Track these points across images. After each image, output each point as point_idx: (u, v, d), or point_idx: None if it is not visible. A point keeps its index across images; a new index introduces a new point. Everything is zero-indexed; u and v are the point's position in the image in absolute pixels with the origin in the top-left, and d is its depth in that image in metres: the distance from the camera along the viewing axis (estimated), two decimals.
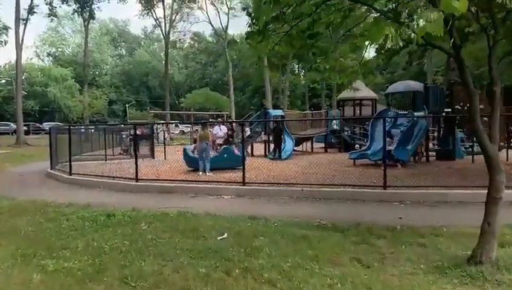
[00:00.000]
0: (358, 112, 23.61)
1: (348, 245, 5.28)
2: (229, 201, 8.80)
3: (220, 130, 14.18)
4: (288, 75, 53.22)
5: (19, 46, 32.96)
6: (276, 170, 11.64)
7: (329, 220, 6.68)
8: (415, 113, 14.70)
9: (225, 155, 12.82)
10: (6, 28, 47.07)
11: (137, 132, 22.86)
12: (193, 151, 12.97)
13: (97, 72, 74.12)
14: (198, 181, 10.20)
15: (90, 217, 7.21)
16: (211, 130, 14.49)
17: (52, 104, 61.61)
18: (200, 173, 12.02)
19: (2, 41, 49.40)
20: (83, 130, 20.63)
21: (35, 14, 38.96)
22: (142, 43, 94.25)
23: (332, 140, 21.46)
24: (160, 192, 9.97)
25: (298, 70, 74.49)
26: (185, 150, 13.14)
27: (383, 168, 9.13)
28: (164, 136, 20.95)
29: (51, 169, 14.26)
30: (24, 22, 34.56)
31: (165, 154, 18.25)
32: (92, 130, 22.74)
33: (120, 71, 79.74)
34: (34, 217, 7.36)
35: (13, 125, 45.07)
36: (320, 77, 64.27)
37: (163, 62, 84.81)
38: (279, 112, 19.77)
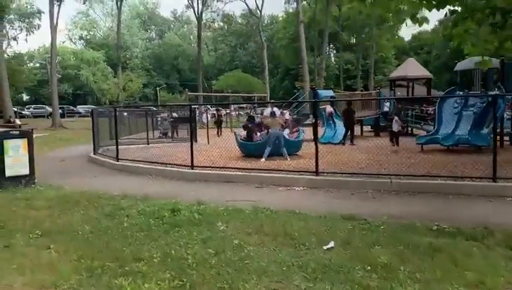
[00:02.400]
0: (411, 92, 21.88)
1: (503, 262, 4.01)
2: (303, 194, 7.59)
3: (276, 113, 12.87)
4: (326, 56, 51.14)
5: (53, 28, 32.41)
6: (341, 158, 10.30)
7: (447, 222, 5.38)
8: (492, 93, 13.06)
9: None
10: (39, 11, 47.04)
11: (175, 114, 22.11)
12: (250, 137, 11.82)
13: (128, 55, 73.75)
14: (262, 169, 9.02)
15: (152, 213, 6.17)
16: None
17: (85, 87, 61.77)
18: (263, 159, 10.94)
19: (36, 25, 49.59)
20: (125, 113, 19.72)
21: None
22: (172, 25, 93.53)
23: (382, 123, 19.90)
24: (219, 181, 8.86)
25: (329, 51, 72.01)
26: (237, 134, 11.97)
27: (468, 155, 7.72)
28: (207, 118, 19.86)
29: (94, 154, 13.41)
30: (58, 3, 33.91)
31: (208, 138, 17.20)
32: (136, 113, 21.87)
33: (150, 54, 79.20)
34: (88, 211, 6.37)
35: (48, 108, 45.15)
36: (355, 57, 62.69)
37: (193, 45, 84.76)
38: (329, 93, 18.34)
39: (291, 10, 63.77)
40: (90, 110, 50.76)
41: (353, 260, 4.09)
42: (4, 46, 37.76)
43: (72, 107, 52.46)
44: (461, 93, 14.24)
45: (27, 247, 4.71)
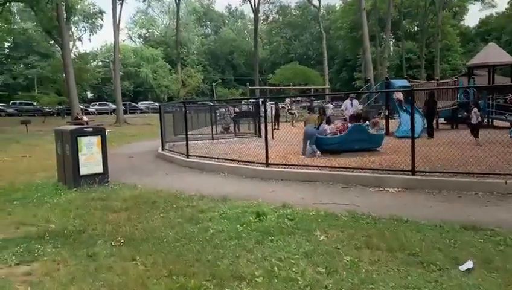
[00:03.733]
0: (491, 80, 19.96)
1: None
2: (400, 197, 6.69)
3: (351, 106, 11.90)
4: (388, 44, 48.82)
5: (116, 27, 33.14)
6: (428, 153, 9.10)
7: None
8: None
9: (356, 135, 10.67)
10: (101, 12, 48.64)
11: (237, 109, 21.66)
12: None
13: (184, 52, 74.87)
14: (346, 168, 8.18)
15: (236, 217, 5.60)
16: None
17: (145, 84, 63.31)
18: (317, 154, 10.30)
19: (98, 25, 51.39)
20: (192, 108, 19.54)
21: None
22: (227, 21, 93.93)
23: (460, 115, 18.25)
24: (297, 180, 8.15)
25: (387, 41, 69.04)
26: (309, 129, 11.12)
27: None
28: (272, 112, 19.22)
29: (162, 150, 13.18)
30: (120, 2, 34.64)
31: (272, 133, 16.49)
32: (198, 108, 21.67)
33: (206, 50, 79.94)
34: (168, 214, 5.90)
35: (112, 105, 46.61)
36: (417, 46, 59.52)
37: (248, 39, 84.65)
38: (404, 82, 17.03)
39: None
40: (151, 106, 52.52)
41: (501, 286, 3.24)
42: (70, 46, 39.22)
43: (134, 104, 53.86)
44: None
45: (111, 257, 4.26)
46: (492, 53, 19.02)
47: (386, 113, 16.34)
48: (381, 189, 7.15)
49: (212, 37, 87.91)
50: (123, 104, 39.27)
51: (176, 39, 50.92)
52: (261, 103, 21.64)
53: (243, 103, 23.04)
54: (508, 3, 72.46)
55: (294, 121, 23.49)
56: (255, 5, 47.02)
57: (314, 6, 51.28)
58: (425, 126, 14.71)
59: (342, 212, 5.66)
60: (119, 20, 34.04)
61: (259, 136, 17.23)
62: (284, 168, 8.75)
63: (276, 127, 20.63)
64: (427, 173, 7.24)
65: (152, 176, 9.60)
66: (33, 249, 4.57)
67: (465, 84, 18.61)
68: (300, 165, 8.73)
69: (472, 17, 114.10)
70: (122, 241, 4.76)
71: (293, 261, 3.92)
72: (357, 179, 7.62)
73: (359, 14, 44.56)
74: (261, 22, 78.42)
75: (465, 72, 40.71)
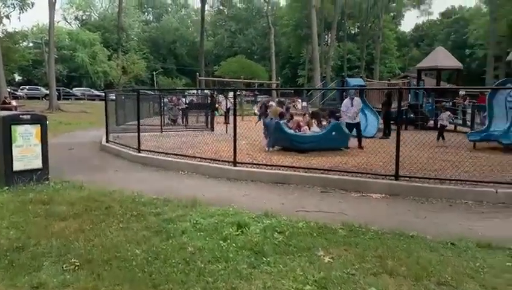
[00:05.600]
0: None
1: None
2: (387, 204, 6.11)
3: (351, 106, 11.16)
4: (334, 44, 49.41)
5: (51, 5, 30.32)
6: (392, 155, 8.66)
7: None
8: None
9: (333, 133, 10.16)
10: None
11: (186, 100, 20.43)
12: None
13: (124, 38, 71.32)
14: (322, 169, 7.51)
15: (214, 228, 4.72)
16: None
17: (80, 69, 59.43)
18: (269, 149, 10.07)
19: (29, 3, 47.21)
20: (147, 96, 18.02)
21: None
22: (170, 9, 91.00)
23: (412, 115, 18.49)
24: (270, 182, 7.37)
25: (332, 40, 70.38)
26: (279, 124, 10.39)
27: None
28: (227, 106, 18.25)
29: (106, 142, 11.84)
30: None
31: (226, 127, 15.60)
32: (149, 97, 20.05)
33: (147, 38, 76.72)
34: (129, 224, 4.88)
35: (43, 90, 43.16)
36: (357, 47, 60.99)
37: (191, 29, 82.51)
38: (360, 81, 16.84)
39: None
40: (87, 92, 49.32)
41: None
42: None
43: (68, 90, 50.26)
44: None
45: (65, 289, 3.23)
46: (440, 57, 19.43)
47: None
48: (363, 194, 6.57)
49: (154, 24, 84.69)
50: (56, 90, 36.29)
51: (118, 24, 48.01)
52: (221, 95, 20.77)
53: (194, 93, 21.79)
54: (439, 13, 76.97)
55: (243, 116, 22.74)
56: None
57: (264, 0, 50.39)
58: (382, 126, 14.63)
59: (334, 223, 4.97)
60: None
61: (212, 130, 16.30)
62: (254, 167, 7.92)
63: (227, 120, 19.75)
64: (412, 179, 6.75)
65: (100, 173, 8.38)
66: None
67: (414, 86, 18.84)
68: (272, 165, 7.93)
69: (407, 23, 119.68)
70: (77, 263, 3.71)
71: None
72: (335, 183, 6.98)
73: (305, 12, 44.90)
74: (207, 12, 76.76)
75: (404, 75, 42.33)
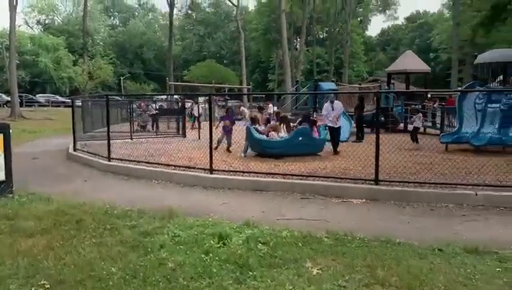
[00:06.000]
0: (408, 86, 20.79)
1: None
2: (368, 210, 6.01)
3: (332, 109, 10.83)
4: (303, 48, 49.78)
5: (12, 8, 29.13)
6: (370, 159, 8.59)
7: None
8: None
9: (300, 138, 10.01)
10: None
11: (155, 105, 19.95)
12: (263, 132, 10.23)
13: (89, 42, 69.66)
14: (303, 176, 7.36)
15: (194, 241, 4.50)
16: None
17: (44, 75, 57.50)
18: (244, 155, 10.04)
19: None
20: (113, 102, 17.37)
21: None
22: (136, 13, 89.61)
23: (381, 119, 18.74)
24: (247, 189, 7.17)
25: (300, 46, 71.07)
26: (250, 129, 10.21)
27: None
28: (199, 111, 17.91)
29: (74, 150, 11.34)
30: None
31: (199, 133, 15.29)
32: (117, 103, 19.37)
33: (113, 42, 75.13)
34: (103, 239, 4.58)
35: (4, 96, 41.47)
36: (326, 51, 61.78)
37: (159, 34, 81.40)
38: (332, 85, 16.90)
39: (263, 0, 62.04)
40: (51, 99, 47.65)
41: None
42: None
43: (31, 96, 48.42)
44: (481, 88, 13.12)
45: None
46: (410, 61, 19.78)
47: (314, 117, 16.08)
48: (344, 200, 6.47)
49: (120, 28, 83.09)
50: (19, 96, 34.89)
51: (83, 28, 46.75)
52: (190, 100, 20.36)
53: (165, 99, 21.35)
54: (404, 18, 79.19)
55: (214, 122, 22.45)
56: None
57: (233, 4, 50.26)
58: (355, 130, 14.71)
59: (319, 231, 4.82)
60: (17, 1, 30.02)
61: (184, 136, 15.96)
62: (231, 175, 7.70)
63: (199, 126, 19.42)
64: (391, 183, 6.70)
65: (68, 184, 7.96)
66: None
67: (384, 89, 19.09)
68: (249, 172, 7.72)
69: (374, 28, 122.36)
70: (47, 285, 3.41)
71: None
72: (314, 188, 6.86)
73: (274, 16, 45.02)
74: (175, 17, 75.98)
75: (373, 79, 43.07)
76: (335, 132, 10.87)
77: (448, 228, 5.12)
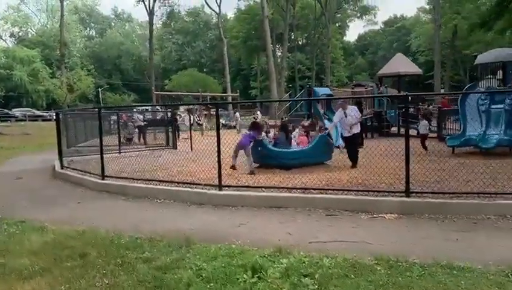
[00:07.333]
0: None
1: None
2: (406, 227, 5.38)
3: (346, 116, 9.61)
4: (286, 54, 49.52)
5: None
6: (384, 168, 7.99)
7: None
8: None
9: (321, 147, 9.48)
10: None
11: (141, 117, 19.12)
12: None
13: (66, 54, 67.97)
14: (328, 189, 6.70)
15: (224, 276, 3.82)
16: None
17: (19, 89, 55.71)
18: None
19: None
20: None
21: None
22: (113, 23, 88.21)
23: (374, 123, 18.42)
24: (263, 206, 6.49)
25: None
26: (263, 142, 9.57)
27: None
28: (190, 121, 17.17)
29: (61, 168, 10.48)
30: None
31: (191, 144, 14.57)
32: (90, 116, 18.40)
33: (90, 53, 73.59)
34: (116, 278, 3.84)
35: None
36: (307, 57, 61.76)
37: (136, 43, 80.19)
38: (327, 90, 16.43)
39: (243, 8, 61.81)
40: (28, 113, 45.95)
41: None
42: None
43: (6, 111, 46.62)
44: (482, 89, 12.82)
45: None
46: (402, 63, 19.53)
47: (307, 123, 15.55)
48: (374, 215, 5.86)
49: (97, 39, 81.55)
50: None
51: (60, 39, 45.41)
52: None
53: (154, 110, 20.53)
54: (382, 22, 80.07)
55: (203, 131, 21.76)
56: (150, 7, 44.09)
57: (215, 11, 49.70)
58: None
59: (364, 257, 4.19)
60: None
61: (175, 147, 15.20)
62: (243, 191, 7.02)
63: (179, 137, 18.65)
64: (423, 194, 6.13)
65: (60, 207, 7.14)
66: None
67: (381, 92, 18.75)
68: (263, 187, 7.05)
69: (352, 33, 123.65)
70: None
71: None
72: (338, 203, 6.23)
73: (254, 23, 44.60)
74: (155, 25, 74.94)
75: (356, 83, 42.98)
76: (350, 142, 9.68)
77: (505, 244, 4.57)
